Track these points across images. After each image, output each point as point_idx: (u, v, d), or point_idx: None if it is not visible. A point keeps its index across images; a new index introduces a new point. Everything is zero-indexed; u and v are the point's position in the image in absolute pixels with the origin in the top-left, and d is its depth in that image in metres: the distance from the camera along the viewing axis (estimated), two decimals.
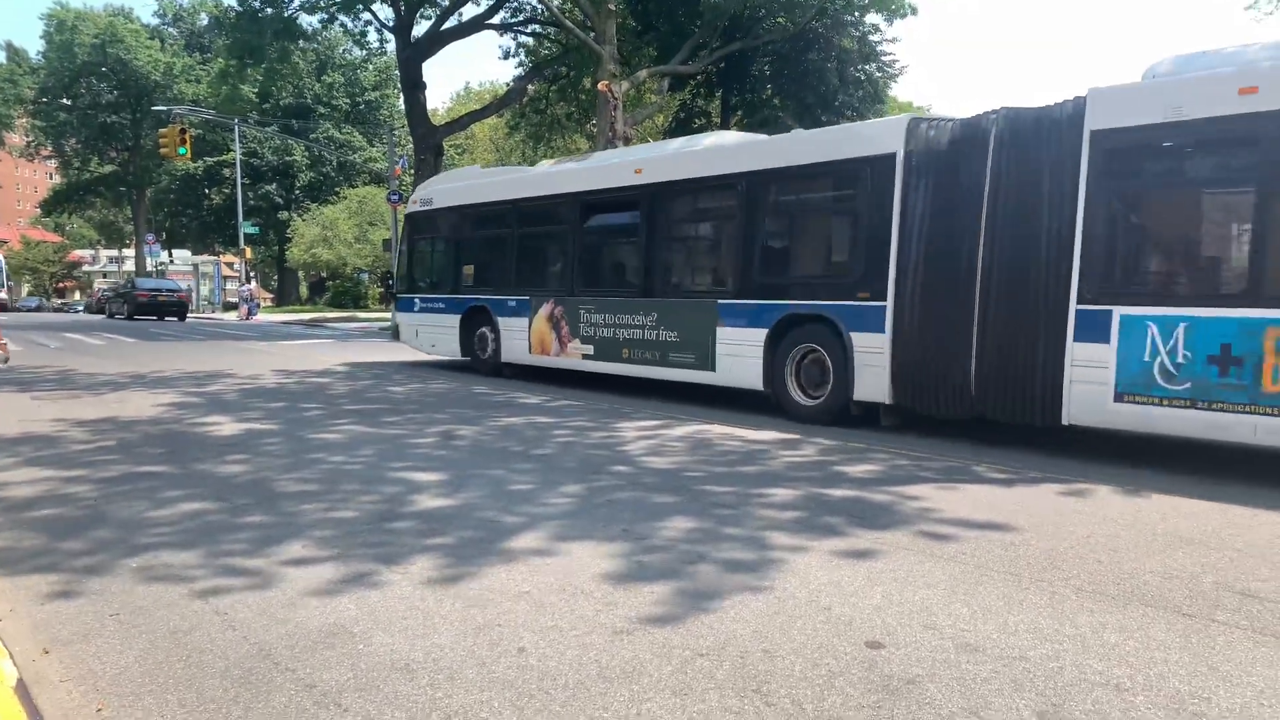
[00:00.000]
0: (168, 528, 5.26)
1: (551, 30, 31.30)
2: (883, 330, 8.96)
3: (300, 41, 31.27)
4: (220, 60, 34.55)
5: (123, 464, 7.06)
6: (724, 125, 28.82)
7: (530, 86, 32.91)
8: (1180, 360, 7.04)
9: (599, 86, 22.71)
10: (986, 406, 8.38)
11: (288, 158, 54.41)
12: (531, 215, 13.68)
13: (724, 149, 11.40)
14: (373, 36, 34.41)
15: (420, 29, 31.36)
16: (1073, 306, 7.64)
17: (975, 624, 3.78)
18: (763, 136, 11.93)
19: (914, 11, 24.96)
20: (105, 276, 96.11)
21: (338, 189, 54.03)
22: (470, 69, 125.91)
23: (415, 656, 3.45)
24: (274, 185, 54.11)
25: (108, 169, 60.02)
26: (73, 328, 29.09)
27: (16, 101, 52.45)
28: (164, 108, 46.07)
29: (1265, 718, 2.99)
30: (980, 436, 8.85)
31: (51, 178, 74.88)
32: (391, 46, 33.80)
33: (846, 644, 3.56)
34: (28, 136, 60.86)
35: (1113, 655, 3.46)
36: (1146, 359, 7.23)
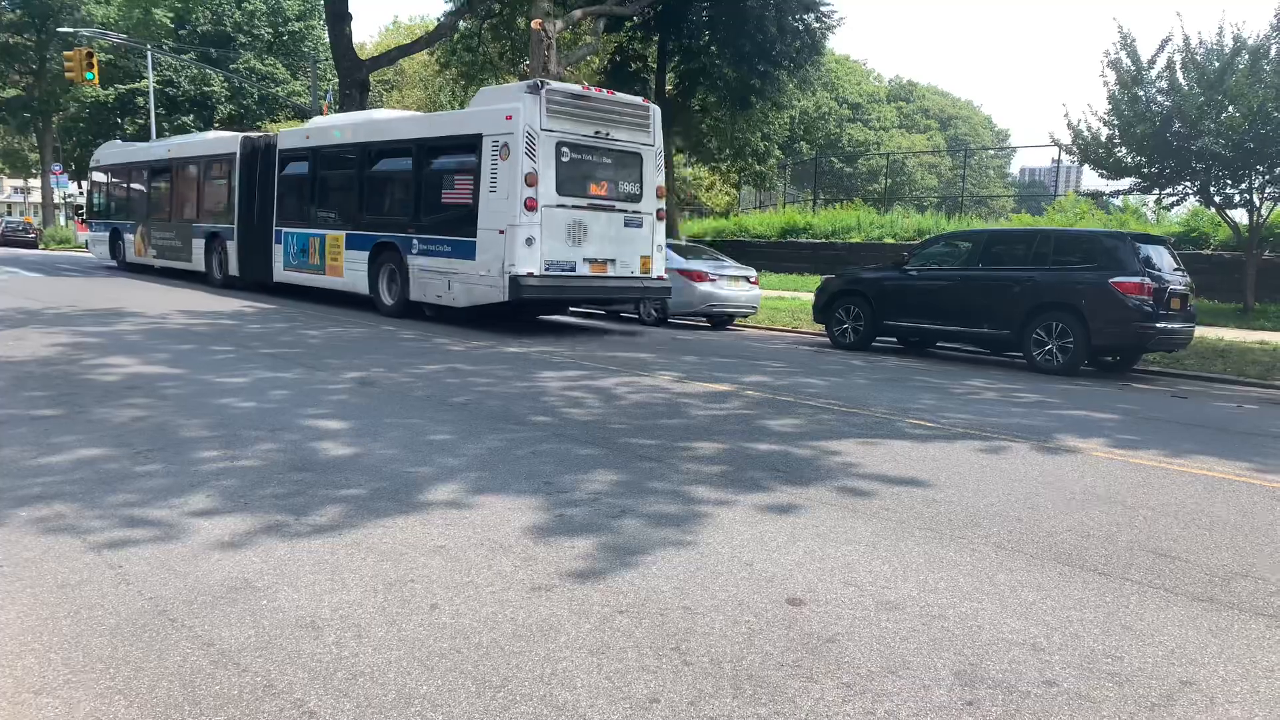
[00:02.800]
0: (63, 475, 4.97)
1: None
2: (234, 239, 18.60)
3: None
4: None
5: (15, 407, 6.66)
6: (660, 70, 28.36)
7: (462, 23, 31.82)
8: (298, 250, 16.71)
9: (532, 25, 22.06)
10: (263, 277, 17.85)
11: (206, 88, 51.98)
12: (136, 174, 23.39)
13: (194, 141, 22.41)
14: None
15: None
16: (274, 227, 17.42)
17: (896, 581, 3.77)
18: (205, 135, 23.73)
19: None
20: (10, 208, 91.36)
21: (259, 123, 51.91)
22: (400, 2, 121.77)
23: (322, 613, 3.30)
24: (191, 116, 51.70)
25: (10, 93, 56.57)
26: None
27: None
28: (71, 29, 43.43)
29: (1175, 676, 3.03)
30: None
31: None
32: None
33: (767, 601, 3.51)
34: None
35: (1030, 614, 3.48)
36: (291, 250, 16.98)
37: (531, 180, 12.37)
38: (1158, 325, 11.42)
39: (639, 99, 14.43)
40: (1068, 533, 4.53)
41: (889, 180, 49.49)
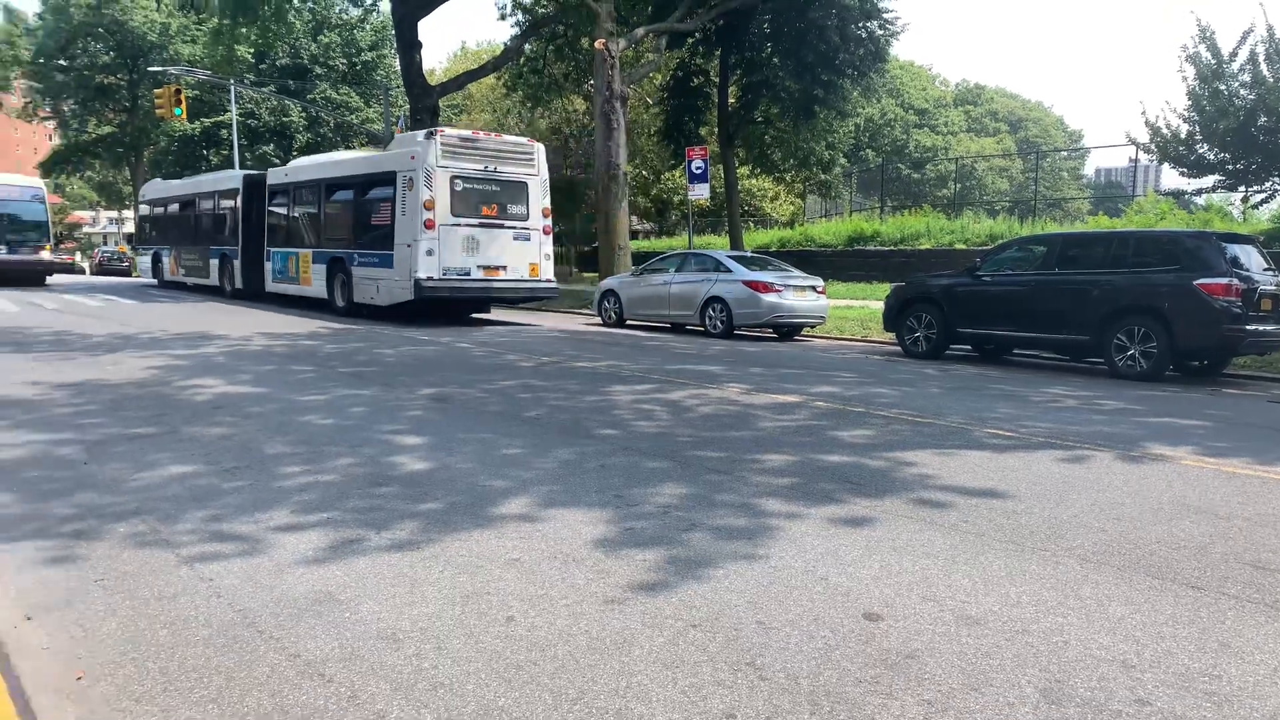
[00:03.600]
0: (157, 491, 5.17)
1: None
2: (238, 259, 22.41)
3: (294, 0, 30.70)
4: (214, 19, 33.93)
5: (112, 426, 6.96)
6: (723, 84, 28.35)
7: (527, 46, 32.33)
8: (281, 266, 20.76)
9: (596, 45, 22.30)
10: (258, 288, 21.66)
11: (285, 119, 53.70)
12: (170, 206, 27.66)
13: (211, 178, 26.46)
14: None
15: None
16: (266, 248, 21.30)
17: (976, 596, 3.69)
18: (219, 173, 28.68)
19: None
20: (105, 239, 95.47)
21: (335, 150, 53.56)
22: (467, 28, 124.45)
23: (402, 625, 3.37)
24: (271, 146, 53.41)
25: (105, 130, 59.18)
26: (71, 289, 28.89)
27: (14, 63, 51.51)
28: (160, 68, 45.32)
29: (1279, 696, 2.90)
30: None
31: (51, 139, 73.79)
32: (386, 5, 33.24)
33: (844, 616, 3.47)
34: (25, 98, 59.99)
35: (1119, 630, 3.37)
36: (276, 266, 20.98)
37: (429, 205, 15.96)
38: (1248, 327, 10.98)
39: (524, 140, 18.27)
40: (1157, 545, 4.38)
41: (958, 185, 48.61)
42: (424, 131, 16.63)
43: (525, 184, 17.26)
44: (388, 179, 16.95)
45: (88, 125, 60.54)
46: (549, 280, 17.76)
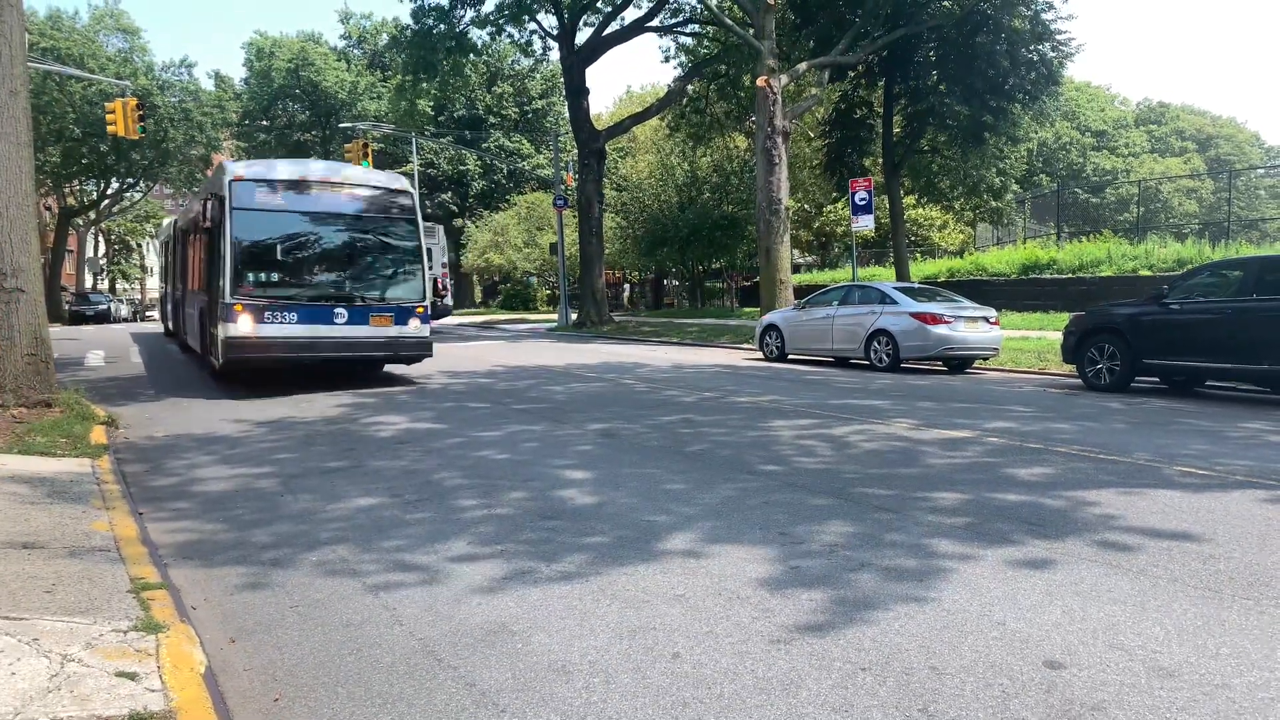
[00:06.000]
0: (345, 522, 5.54)
1: (710, 29, 31.22)
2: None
3: (471, 55, 32.46)
4: (398, 76, 36.42)
5: (306, 460, 7.50)
6: (887, 114, 27.86)
7: (690, 86, 32.91)
8: None
9: (758, 82, 22.44)
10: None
11: (461, 167, 56.79)
12: None
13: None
14: (537, 44, 35.26)
15: (583, 36, 32.03)
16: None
17: (1169, 645, 3.45)
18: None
19: None
20: None
21: (508, 196, 56.08)
22: (631, 72, 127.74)
23: (572, 658, 3.47)
24: (449, 194, 56.58)
25: None
26: None
27: (224, 125, 56.73)
28: (349, 124, 48.93)
29: None
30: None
31: None
32: (555, 54, 34.70)
33: (1022, 663, 3.32)
34: (232, 156, 66.16)
35: None
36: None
37: None
38: None
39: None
40: None
41: (1141, 209, 45.60)
42: None
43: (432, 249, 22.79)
44: None
45: None
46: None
